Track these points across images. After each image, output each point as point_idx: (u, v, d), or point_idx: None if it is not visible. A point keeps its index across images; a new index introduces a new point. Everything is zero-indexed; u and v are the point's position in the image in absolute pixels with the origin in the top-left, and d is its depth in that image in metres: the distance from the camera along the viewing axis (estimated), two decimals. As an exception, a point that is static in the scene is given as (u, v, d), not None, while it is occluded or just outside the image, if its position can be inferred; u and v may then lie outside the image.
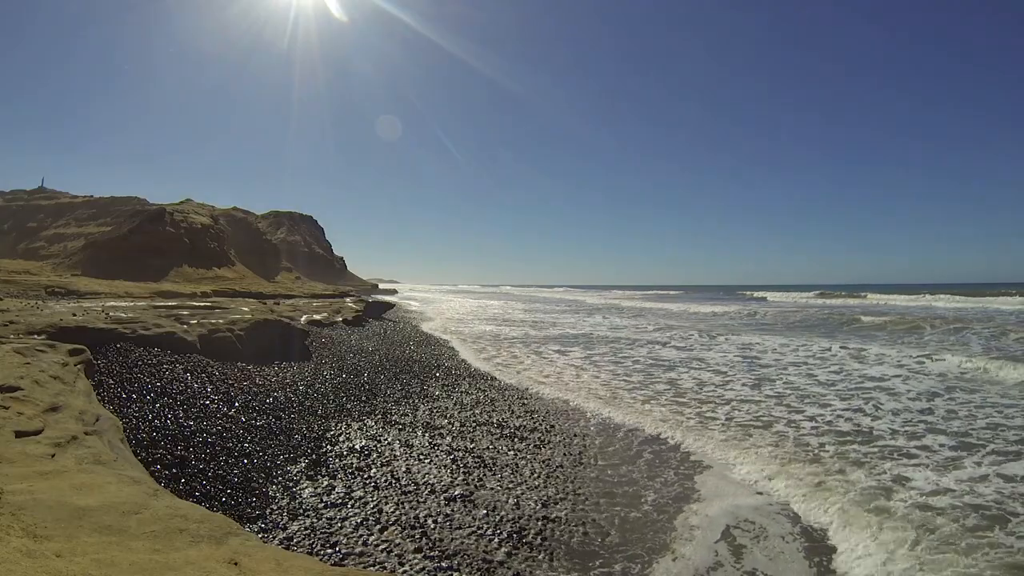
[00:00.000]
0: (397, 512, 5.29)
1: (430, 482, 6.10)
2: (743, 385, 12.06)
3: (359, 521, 5.06)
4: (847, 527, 5.20)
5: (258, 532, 4.72)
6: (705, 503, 5.89)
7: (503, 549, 4.76)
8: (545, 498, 5.90)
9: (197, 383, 8.37)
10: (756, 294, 79.63)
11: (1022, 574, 4.38)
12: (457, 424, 8.54)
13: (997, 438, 7.92)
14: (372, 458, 6.74)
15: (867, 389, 11.50)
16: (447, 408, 9.53)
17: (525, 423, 8.83)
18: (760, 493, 6.21)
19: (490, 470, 6.62)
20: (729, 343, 20.02)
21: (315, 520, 5.01)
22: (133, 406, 6.93)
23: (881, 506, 5.61)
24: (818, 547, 4.97)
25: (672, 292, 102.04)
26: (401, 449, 7.18)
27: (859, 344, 18.75)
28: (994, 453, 7.27)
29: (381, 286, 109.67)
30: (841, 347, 17.85)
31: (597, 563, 4.65)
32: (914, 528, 5.06)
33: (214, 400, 7.84)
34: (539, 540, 4.95)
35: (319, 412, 8.37)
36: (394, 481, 6.06)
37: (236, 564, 2.48)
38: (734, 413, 9.62)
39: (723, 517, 5.54)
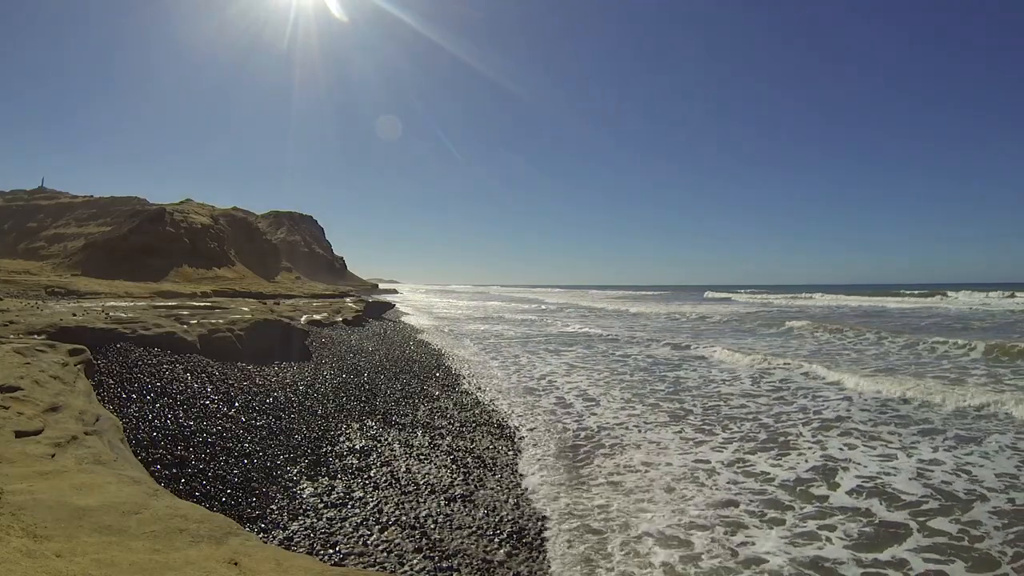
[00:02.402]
0: (397, 512, 5.28)
1: (430, 482, 6.10)
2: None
3: (359, 521, 5.06)
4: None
5: (258, 532, 4.72)
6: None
7: (503, 549, 4.76)
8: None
9: (197, 383, 8.36)
10: (723, 295, 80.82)
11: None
12: (457, 424, 8.55)
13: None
14: (372, 458, 6.74)
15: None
16: (447, 408, 9.53)
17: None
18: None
19: (490, 470, 6.62)
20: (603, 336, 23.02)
21: (315, 520, 5.01)
22: (133, 406, 6.92)
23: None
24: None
25: (654, 293, 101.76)
26: (401, 449, 7.17)
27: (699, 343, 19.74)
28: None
29: (381, 286, 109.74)
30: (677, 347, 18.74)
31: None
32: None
33: (214, 400, 7.83)
34: (539, 541, 4.95)
35: (319, 412, 8.36)
36: (394, 481, 6.06)
37: (236, 564, 2.48)
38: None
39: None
